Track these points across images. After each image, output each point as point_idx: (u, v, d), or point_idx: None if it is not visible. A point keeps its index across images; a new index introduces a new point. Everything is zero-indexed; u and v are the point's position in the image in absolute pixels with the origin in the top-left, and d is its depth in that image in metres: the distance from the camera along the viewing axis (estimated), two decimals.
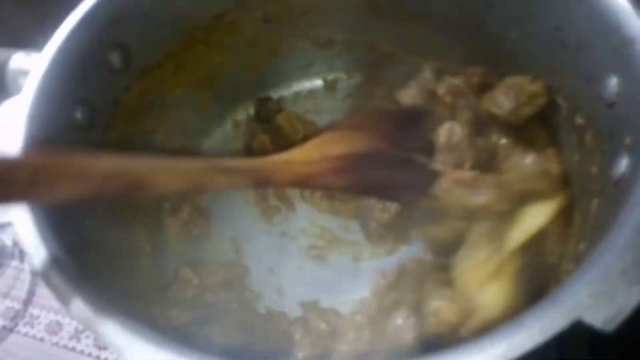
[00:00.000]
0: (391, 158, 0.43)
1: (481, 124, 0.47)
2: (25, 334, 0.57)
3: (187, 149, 0.59)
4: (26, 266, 0.60)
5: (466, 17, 0.53)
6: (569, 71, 0.44)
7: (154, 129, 0.55)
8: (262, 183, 0.39)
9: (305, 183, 0.41)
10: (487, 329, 0.26)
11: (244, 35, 0.57)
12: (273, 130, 0.58)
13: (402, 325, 0.39)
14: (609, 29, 0.38)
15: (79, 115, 0.44)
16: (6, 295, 0.59)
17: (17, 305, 0.58)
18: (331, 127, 0.45)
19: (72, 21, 0.45)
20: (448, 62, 0.56)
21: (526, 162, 0.45)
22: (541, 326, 0.25)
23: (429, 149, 0.45)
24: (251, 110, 0.62)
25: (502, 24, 0.50)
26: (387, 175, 0.43)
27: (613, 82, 0.38)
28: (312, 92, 0.63)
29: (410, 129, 0.46)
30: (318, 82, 0.64)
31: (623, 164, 0.35)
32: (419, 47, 0.58)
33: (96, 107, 0.46)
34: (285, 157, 0.40)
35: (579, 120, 0.44)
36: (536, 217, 0.42)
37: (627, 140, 0.35)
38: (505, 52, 0.51)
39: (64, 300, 0.31)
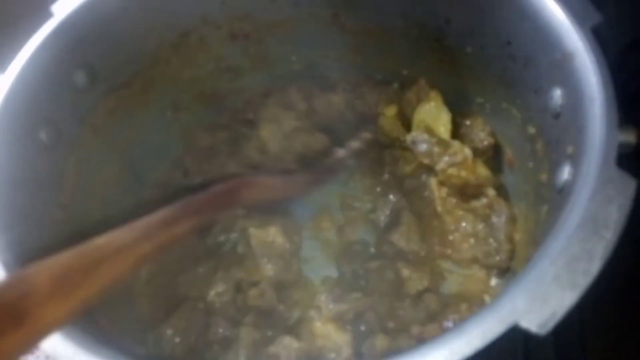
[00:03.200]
0: None
1: None
2: None
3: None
4: None
5: (426, 32, 0.55)
6: (519, 83, 0.46)
7: (123, 148, 0.55)
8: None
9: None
10: None
11: (211, 52, 0.58)
12: None
13: None
14: (551, 43, 0.39)
15: (43, 135, 0.45)
16: None
17: None
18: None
19: (36, 42, 0.45)
20: (408, 72, 0.58)
21: None
22: (480, 332, 0.26)
23: None
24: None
25: (458, 38, 0.52)
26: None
27: (557, 94, 0.40)
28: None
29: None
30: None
31: (566, 172, 0.37)
32: (383, 61, 0.60)
33: (61, 127, 0.46)
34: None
35: (531, 130, 0.45)
36: None
37: (569, 149, 0.36)
38: (463, 64, 0.53)
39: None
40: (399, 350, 0.26)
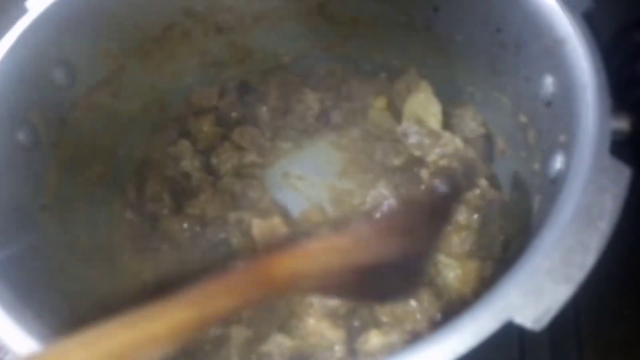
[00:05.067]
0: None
1: None
2: None
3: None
4: None
5: (415, 21, 0.53)
6: (510, 71, 0.45)
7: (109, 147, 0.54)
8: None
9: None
10: None
11: (195, 46, 0.57)
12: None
13: None
14: (542, 30, 0.38)
15: (21, 136, 0.43)
16: None
17: None
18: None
19: (11, 39, 0.44)
20: (398, 63, 0.57)
21: None
22: (473, 329, 0.26)
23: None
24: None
25: (447, 26, 0.51)
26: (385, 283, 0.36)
27: (549, 82, 0.39)
28: None
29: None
30: None
31: (559, 162, 0.36)
32: (371, 51, 0.59)
33: (40, 127, 0.45)
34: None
35: (523, 118, 0.45)
36: None
37: (562, 138, 0.36)
38: (453, 53, 0.52)
39: None
40: (392, 350, 0.26)
